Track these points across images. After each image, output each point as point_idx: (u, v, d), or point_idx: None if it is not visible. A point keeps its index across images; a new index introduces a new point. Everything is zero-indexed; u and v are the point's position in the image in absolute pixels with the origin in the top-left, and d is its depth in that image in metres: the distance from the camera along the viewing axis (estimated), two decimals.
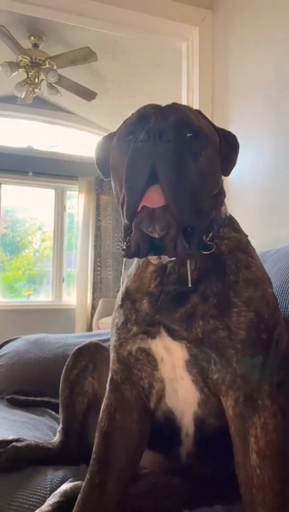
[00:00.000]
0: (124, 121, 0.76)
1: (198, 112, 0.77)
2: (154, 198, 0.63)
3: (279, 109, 1.66)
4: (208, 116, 0.80)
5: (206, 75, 2.08)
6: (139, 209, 0.64)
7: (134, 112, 0.75)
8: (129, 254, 0.68)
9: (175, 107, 0.74)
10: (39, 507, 0.78)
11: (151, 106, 0.73)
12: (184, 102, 2.09)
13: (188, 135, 0.68)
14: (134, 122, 0.72)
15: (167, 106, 0.73)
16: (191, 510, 0.77)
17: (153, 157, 0.63)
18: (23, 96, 3.86)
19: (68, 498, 0.78)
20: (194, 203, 0.65)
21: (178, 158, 0.64)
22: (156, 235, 0.64)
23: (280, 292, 0.97)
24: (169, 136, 0.64)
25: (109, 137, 0.79)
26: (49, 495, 0.82)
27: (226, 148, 0.77)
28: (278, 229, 1.61)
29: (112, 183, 0.76)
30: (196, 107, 1.84)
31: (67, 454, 0.99)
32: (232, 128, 0.84)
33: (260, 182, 1.73)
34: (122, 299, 0.80)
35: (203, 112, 0.80)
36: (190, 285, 0.71)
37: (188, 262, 0.70)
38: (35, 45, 3.64)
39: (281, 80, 1.64)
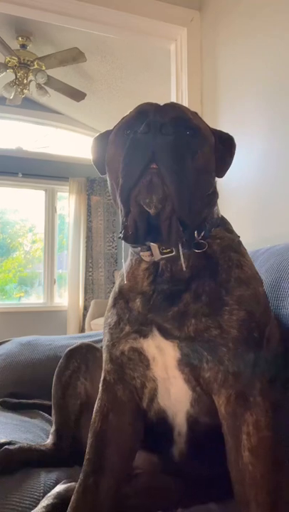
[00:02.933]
0: (122, 118, 0.76)
1: (196, 113, 0.78)
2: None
3: (268, 109, 1.67)
4: None
5: (194, 75, 2.09)
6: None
7: (131, 110, 0.75)
8: (127, 237, 0.68)
9: (174, 105, 0.74)
10: (33, 509, 0.77)
11: (150, 103, 0.74)
12: None
13: (186, 133, 0.69)
14: (133, 117, 0.72)
15: (166, 104, 0.74)
16: (185, 509, 0.77)
17: (153, 148, 0.63)
18: (11, 97, 3.83)
19: (62, 500, 0.78)
20: (190, 197, 0.66)
21: (177, 152, 0.64)
22: (152, 209, 0.64)
23: (270, 290, 0.98)
24: (169, 130, 0.64)
25: (106, 134, 0.79)
26: (42, 497, 0.81)
27: (222, 149, 0.77)
28: (268, 228, 1.62)
29: (108, 177, 0.76)
30: None
31: (60, 456, 0.98)
32: (221, 128, 0.84)
33: (250, 182, 1.74)
34: (115, 299, 0.80)
35: None
36: (184, 269, 0.71)
37: (180, 246, 0.70)
38: (24, 46, 3.62)
39: (270, 80, 1.65)
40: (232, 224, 0.84)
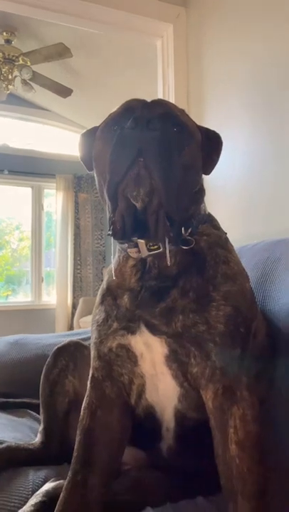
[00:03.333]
0: (109, 115, 0.76)
1: (183, 110, 0.78)
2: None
3: (254, 106, 1.68)
4: None
5: (181, 72, 2.09)
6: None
7: (118, 107, 0.75)
8: (115, 233, 0.68)
9: (161, 102, 0.75)
10: (21, 508, 0.77)
11: (137, 100, 0.74)
12: None
13: (173, 129, 0.69)
14: (120, 113, 0.72)
15: (153, 100, 0.74)
16: (174, 504, 0.78)
17: (140, 144, 0.63)
18: None
19: (50, 498, 0.78)
20: (177, 192, 0.66)
21: (164, 148, 0.64)
22: (139, 203, 0.65)
23: (256, 286, 0.99)
24: (156, 126, 0.64)
25: (93, 130, 0.79)
26: (31, 496, 0.81)
27: (208, 147, 0.78)
28: (254, 225, 1.64)
29: (95, 173, 0.75)
30: None
31: (48, 454, 0.98)
32: (207, 124, 0.85)
33: (236, 179, 1.75)
34: (103, 295, 0.80)
35: None
36: (169, 264, 0.71)
37: (166, 242, 0.70)
38: (8, 41, 3.57)
39: (256, 76, 1.66)
40: (219, 221, 0.84)
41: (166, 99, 2.08)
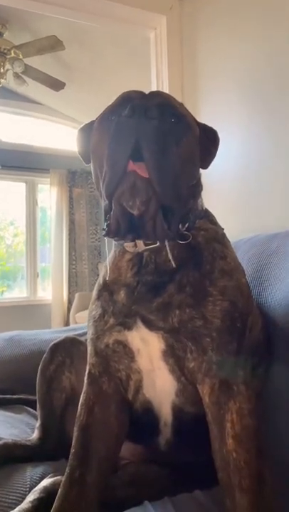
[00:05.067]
0: (106, 107, 0.75)
1: (181, 103, 0.77)
2: (138, 170, 0.62)
3: (249, 98, 1.67)
4: None
5: (175, 64, 2.07)
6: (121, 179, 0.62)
7: (115, 98, 0.74)
8: (109, 233, 0.67)
9: (159, 93, 0.74)
10: (19, 505, 0.77)
11: (135, 91, 0.73)
12: None
13: (171, 119, 0.68)
14: (117, 104, 0.71)
15: (151, 92, 0.73)
16: (172, 497, 0.78)
17: (137, 133, 0.62)
18: None
19: (48, 494, 0.78)
20: (175, 185, 0.65)
21: (162, 138, 0.63)
22: (135, 211, 0.64)
23: (251, 279, 0.99)
24: (154, 114, 0.63)
25: (91, 124, 0.78)
26: (29, 492, 0.81)
27: (206, 140, 0.77)
28: (249, 219, 1.63)
29: (92, 164, 0.74)
30: None
31: (46, 450, 0.98)
32: (202, 118, 0.84)
33: (231, 173, 1.74)
34: (99, 291, 0.79)
35: None
36: (174, 265, 0.71)
37: (166, 242, 0.69)
38: (0, 34, 3.52)
39: (251, 69, 1.65)
40: (215, 215, 0.84)
41: None
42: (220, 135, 0.81)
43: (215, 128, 0.81)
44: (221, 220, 0.84)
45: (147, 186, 0.62)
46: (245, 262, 1.03)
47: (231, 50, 1.77)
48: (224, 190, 1.76)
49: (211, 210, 0.84)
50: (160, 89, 2.09)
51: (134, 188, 0.62)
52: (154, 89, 2.14)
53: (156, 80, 2.12)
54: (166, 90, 2.06)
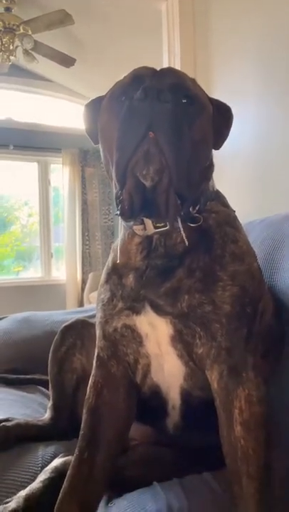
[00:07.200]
0: (115, 83, 0.72)
1: (194, 79, 0.74)
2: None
3: (262, 74, 1.60)
4: None
5: (187, 38, 1.99)
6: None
7: (125, 75, 0.70)
8: (123, 212, 0.66)
9: (171, 70, 0.71)
10: (31, 484, 0.79)
11: (146, 68, 0.70)
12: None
13: (184, 101, 0.65)
14: (128, 83, 0.68)
15: (163, 69, 0.70)
16: (180, 479, 0.79)
17: (150, 116, 0.60)
18: None
19: (59, 474, 0.80)
20: (188, 169, 0.64)
21: (175, 121, 0.61)
22: (149, 182, 0.62)
23: (263, 262, 0.96)
24: (167, 97, 0.61)
25: (98, 100, 0.75)
26: (40, 471, 0.83)
27: (219, 120, 0.74)
28: (263, 199, 1.59)
29: (101, 146, 0.72)
30: None
31: (58, 430, 1.00)
32: (215, 94, 0.80)
33: (244, 152, 1.69)
34: (108, 274, 0.79)
35: None
36: (186, 243, 0.69)
37: (179, 220, 0.68)
38: (8, 9, 3.43)
39: (265, 43, 1.58)
40: (227, 195, 0.82)
41: (172, 66, 1.99)
42: (233, 110, 0.77)
43: (228, 103, 0.78)
44: (234, 200, 0.82)
45: (160, 156, 0.60)
46: (258, 244, 1.01)
47: (245, 22, 1.69)
48: (237, 170, 1.71)
49: (223, 189, 0.82)
50: (171, 64, 2.02)
51: (149, 155, 0.60)
52: (165, 64, 2.07)
53: (168, 55, 2.05)
54: (177, 65, 1.99)
